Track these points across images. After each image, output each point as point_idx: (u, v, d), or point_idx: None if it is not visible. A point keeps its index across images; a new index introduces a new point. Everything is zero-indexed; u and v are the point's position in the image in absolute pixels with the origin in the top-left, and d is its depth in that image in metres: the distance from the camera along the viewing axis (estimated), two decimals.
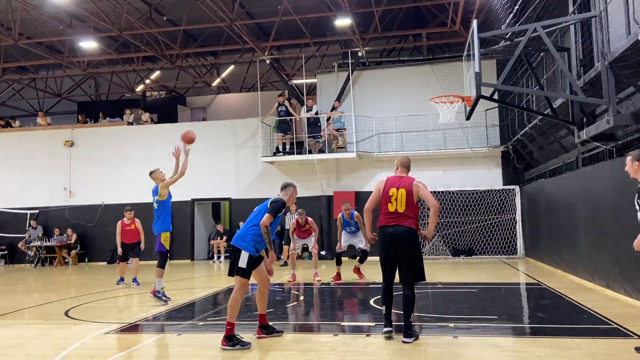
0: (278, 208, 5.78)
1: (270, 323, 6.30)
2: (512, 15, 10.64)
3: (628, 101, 8.25)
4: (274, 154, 17.45)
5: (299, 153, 17.16)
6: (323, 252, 17.43)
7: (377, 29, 16.24)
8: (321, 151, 17.09)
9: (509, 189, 16.38)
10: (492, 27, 13.21)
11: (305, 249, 17.57)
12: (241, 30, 15.57)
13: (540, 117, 11.00)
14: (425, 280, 5.85)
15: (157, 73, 22.09)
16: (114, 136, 19.18)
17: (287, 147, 17.25)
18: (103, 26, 15.35)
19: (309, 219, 11.62)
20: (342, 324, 7.08)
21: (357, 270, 11.09)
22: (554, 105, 10.06)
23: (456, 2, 14.12)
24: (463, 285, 10.16)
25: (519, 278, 11.58)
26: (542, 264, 13.29)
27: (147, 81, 22.07)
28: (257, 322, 6.16)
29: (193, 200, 18.44)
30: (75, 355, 5.53)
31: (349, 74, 17.58)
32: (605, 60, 7.20)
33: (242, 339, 5.70)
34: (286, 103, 17.27)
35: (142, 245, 11.86)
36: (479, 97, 7.74)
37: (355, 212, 10.99)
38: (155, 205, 8.97)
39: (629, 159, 5.22)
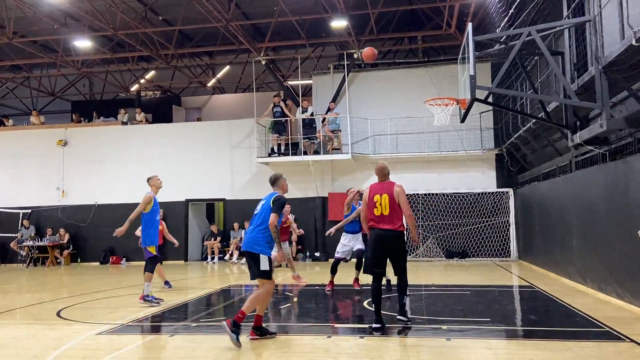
0: (282, 205, 6.04)
1: (264, 324, 6.28)
2: (507, 18, 10.68)
3: (622, 105, 8.29)
4: (269, 155, 17.43)
5: (294, 154, 17.15)
6: (317, 254, 17.42)
7: (372, 31, 16.27)
8: (316, 152, 17.08)
9: (502, 192, 16.44)
10: (487, 30, 13.28)
11: (299, 250, 17.57)
12: (237, 31, 15.55)
13: (534, 120, 11.04)
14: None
15: (152, 73, 22.03)
16: (107, 136, 19.10)
17: (282, 148, 17.24)
18: (98, 25, 15.30)
19: (289, 216, 11.09)
20: (336, 325, 7.06)
21: (356, 281, 9.84)
22: (547, 109, 10.10)
23: (451, 6, 14.18)
24: (456, 288, 10.17)
25: (512, 281, 11.61)
26: (535, 266, 13.34)
27: (142, 81, 21.99)
28: (252, 323, 6.14)
29: (187, 201, 18.38)
30: (66, 356, 5.49)
31: (344, 75, 17.59)
32: (599, 65, 7.24)
33: (269, 329, 6.16)
34: (281, 104, 17.26)
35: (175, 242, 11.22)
36: (474, 100, 7.76)
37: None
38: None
39: None
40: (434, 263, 15.80)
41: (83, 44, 16.34)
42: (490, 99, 15.30)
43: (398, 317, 6.63)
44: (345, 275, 11.14)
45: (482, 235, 16.33)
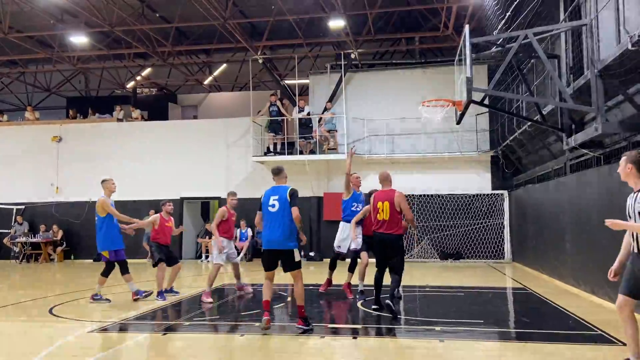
0: (298, 197, 6.46)
1: (256, 324, 6.26)
2: (504, 21, 10.70)
3: (617, 109, 8.32)
4: (265, 154, 17.39)
5: (290, 153, 17.12)
6: (312, 254, 17.40)
7: (370, 32, 16.26)
8: (312, 152, 17.06)
9: (497, 194, 16.48)
10: (485, 33, 13.27)
11: None
12: (234, 29, 15.51)
13: (529, 123, 11.07)
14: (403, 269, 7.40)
15: (148, 70, 21.93)
16: (103, 132, 19.01)
17: (278, 147, 17.21)
18: (94, 21, 15.21)
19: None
20: (330, 326, 7.05)
21: (347, 287, 9.14)
22: (543, 112, 10.13)
23: (449, 7, 14.18)
24: (450, 289, 10.18)
25: (505, 283, 11.63)
26: (529, 268, 13.37)
27: (138, 78, 21.90)
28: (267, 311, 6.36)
29: (182, 199, 18.32)
30: (56, 354, 5.46)
31: (341, 75, 17.58)
32: (595, 68, 7.26)
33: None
34: (278, 103, 17.22)
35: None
36: (470, 101, 7.76)
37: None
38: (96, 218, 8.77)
39: (623, 159, 4.69)
40: (429, 264, 15.81)
41: (79, 39, 16.25)
42: (486, 101, 15.45)
43: (386, 301, 7.07)
44: (341, 275, 11.14)
45: (477, 236, 16.36)
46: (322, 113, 17.24)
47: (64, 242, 18.29)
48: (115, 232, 8.80)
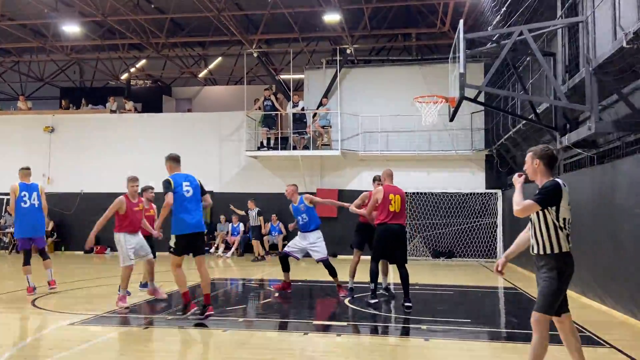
0: None
1: (240, 320, 6.15)
2: (499, 17, 10.59)
3: (611, 109, 8.23)
4: (258, 149, 17.26)
5: (284, 148, 16.99)
6: None
7: (366, 27, 16.11)
8: (306, 148, 16.94)
9: (491, 193, 16.39)
10: (482, 29, 13.18)
11: (285, 245, 17.35)
12: (228, 22, 15.33)
13: (524, 122, 10.97)
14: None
15: (143, 62, 21.73)
16: (95, 124, 18.82)
17: (272, 142, 17.07)
18: (88, 11, 15.02)
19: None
20: (315, 322, 6.94)
21: (340, 288, 8.66)
22: (538, 110, 10.03)
23: (446, 3, 14.06)
24: (440, 288, 10.09)
25: (496, 282, 11.54)
26: (521, 268, 13.29)
27: (133, 69, 21.70)
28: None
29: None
30: (33, 347, 5.34)
31: (336, 71, 17.44)
32: (590, 66, 7.16)
33: None
34: (272, 98, 17.08)
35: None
36: (462, 98, 7.66)
37: (308, 196, 8.76)
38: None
39: (529, 155, 4.13)
40: (421, 262, 15.73)
41: (71, 29, 16.04)
42: (482, 99, 15.35)
43: (405, 303, 7.45)
44: (322, 272, 11.03)
45: (470, 235, 16.28)
46: (318, 108, 17.11)
47: (55, 234, 18.12)
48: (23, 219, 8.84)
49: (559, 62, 8.96)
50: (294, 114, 16.81)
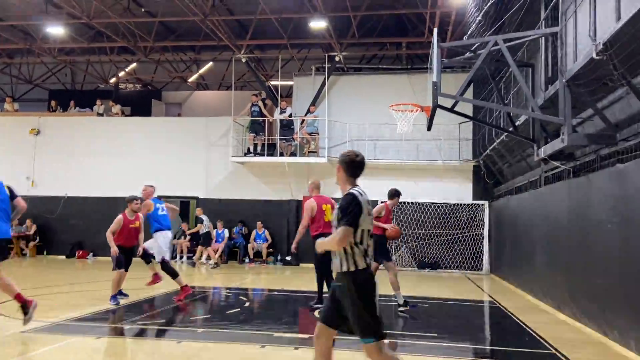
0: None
1: (200, 330, 5.98)
2: (484, 28, 10.49)
3: (590, 121, 8.10)
4: (245, 155, 17.13)
5: (271, 155, 16.86)
6: (288, 258, 17.08)
7: (354, 35, 16.01)
8: (293, 155, 16.80)
9: (478, 204, 16.22)
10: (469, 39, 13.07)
11: (269, 253, 17.21)
12: (216, 26, 15.23)
13: (505, 133, 10.84)
14: None
15: (133, 65, 21.64)
16: (82, 127, 18.69)
17: (259, 148, 16.94)
18: (76, 14, 14.89)
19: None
20: (275, 335, 6.74)
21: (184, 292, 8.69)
22: (518, 122, 9.90)
23: (433, 13, 13.97)
24: (417, 300, 9.90)
25: (476, 295, 11.36)
26: (505, 282, 13.12)
27: (122, 73, 21.59)
28: None
29: (159, 197, 17.96)
30: None
31: (324, 78, 17.34)
32: (563, 78, 7.03)
33: None
34: (260, 103, 16.97)
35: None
36: (435, 107, 7.53)
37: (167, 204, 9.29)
38: None
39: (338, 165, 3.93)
40: (406, 272, 15.52)
41: (57, 30, 15.91)
42: (470, 109, 15.22)
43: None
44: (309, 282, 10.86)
45: (456, 247, 16.09)
46: (305, 115, 16.99)
47: (37, 237, 17.94)
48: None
49: (538, 74, 8.84)
50: (281, 121, 16.69)
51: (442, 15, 13.92)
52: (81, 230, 17.64)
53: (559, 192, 8.50)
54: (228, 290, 10.69)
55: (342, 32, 16.25)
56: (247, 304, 8.89)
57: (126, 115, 19.69)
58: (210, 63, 21.50)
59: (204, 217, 16.97)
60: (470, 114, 15.33)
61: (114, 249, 8.24)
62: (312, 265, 12.88)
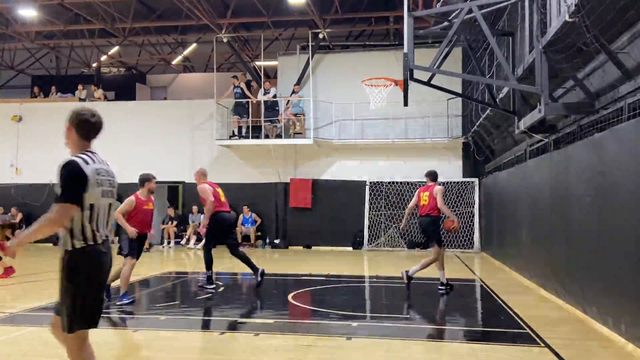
0: None
1: (163, 318, 5.72)
2: None
3: (572, 92, 7.73)
4: (230, 137, 16.79)
5: (256, 137, 16.52)
6: (277, 241, 16.86)
7: (338, 11, 15.52)
8: (278, 136, 16.45)
9: (468, 182, 15.90)
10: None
11: (258, 237, 16.98)
12: (194, 4, 14.75)
13: (489, 108, 10.47)
14: None
15: (116, 49, 21.17)
16: (64, 112, 17.56)
17: (244, 130, 16.58)
18: None
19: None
20: (239, 320, 6.48)
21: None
22: (501, 95, 9.54)
23: None
24: (398, 280, 9.64)
25: (460, 274, 11.07)
26: (494, 259, 12.88)
27: (104, 57, 21.13)
28: None
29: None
30: None
31: (309, 57, 16.89)
32: (540, 45, 6.65)
33: None
34: (242, 85, 16.56)
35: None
36: (407, 79, 7.17)
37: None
38: None
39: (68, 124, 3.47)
40: (395, 253, 15.31)
41: (29, 13, 15.43)
42: (459, 84, 14.77)
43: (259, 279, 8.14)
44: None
45: None
46: (290, 95, 16.59)
47: (24, 225, 17.71)
48: None
49: (518, 43, 8.45)
50: (265, 102, 16.30)
51: None
52: None
53: (541, 166, 8.18)
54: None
55: (324, 7, 15.75)
56: (221, 289, 8.63)
57: (109, 100, 19.31)
58: (194, 44, 21.03)
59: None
60: (460, 89, 14.95)
61: (131, 229, 7.04)
62: (300, 248, 12.77)
